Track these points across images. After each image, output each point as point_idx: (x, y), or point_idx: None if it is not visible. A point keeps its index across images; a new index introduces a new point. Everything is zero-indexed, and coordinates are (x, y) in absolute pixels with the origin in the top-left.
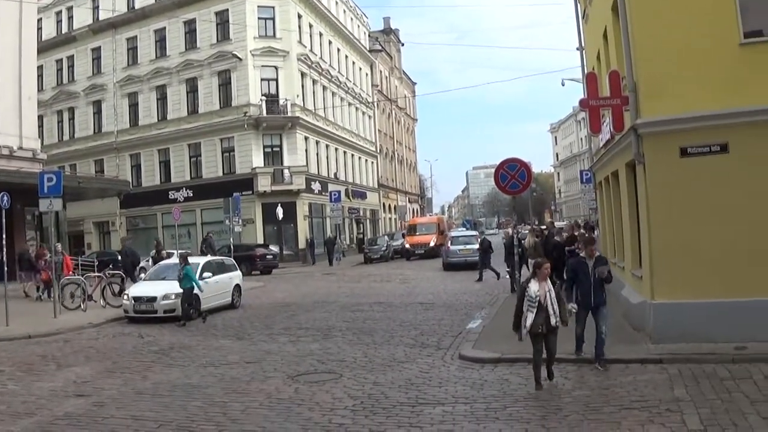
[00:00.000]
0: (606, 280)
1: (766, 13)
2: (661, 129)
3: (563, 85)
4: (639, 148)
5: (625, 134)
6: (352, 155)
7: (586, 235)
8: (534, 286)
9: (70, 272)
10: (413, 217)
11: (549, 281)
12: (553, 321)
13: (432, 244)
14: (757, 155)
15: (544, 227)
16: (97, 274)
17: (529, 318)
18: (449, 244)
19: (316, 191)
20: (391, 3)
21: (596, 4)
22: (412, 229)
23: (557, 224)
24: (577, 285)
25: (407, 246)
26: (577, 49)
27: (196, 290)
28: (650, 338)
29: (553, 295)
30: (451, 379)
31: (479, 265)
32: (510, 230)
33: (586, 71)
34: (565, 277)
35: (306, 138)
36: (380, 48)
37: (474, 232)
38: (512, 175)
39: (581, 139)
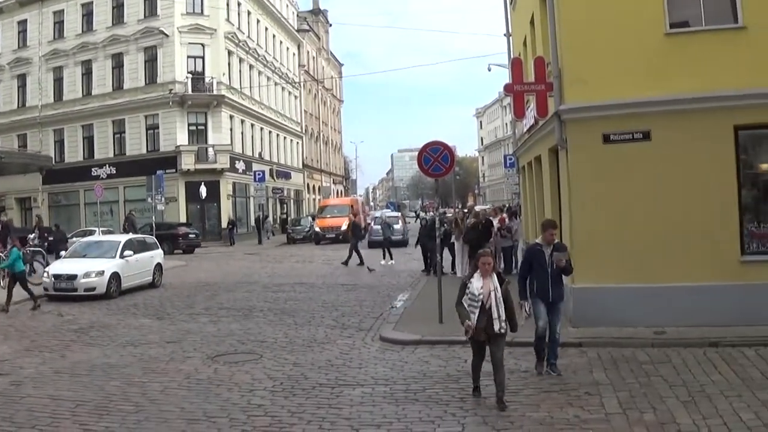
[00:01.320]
0: (565, 270)
1: (693, 3)
2: (584, 115)
3: (489, 70)
4: (562, 134)
5: (548, 120)
6: (278, 135)
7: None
8: (477, 283)
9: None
10: (325, 198)
11: (496, 278)
12: (496, 326)
13: (344, 227)
14: (679, 143)
15: (465, 210)
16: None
17: (472, 317)
18: (373, 224)
19: (241, 171)
20: None
21: None
22: (322, 211)
23: (478, 208)
24: (532, 277)
25: (317, 229)
26: (505, 35)
27: (116, 269)
28: (570, 322)
29: (499, 294)
30: (371, 360)
31: (423, 252)
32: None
33: (512, 57)
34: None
35: (231, 117)
36: (308, 28)
37: (398, 214)
38: (435, 158)
39: (506, 123)
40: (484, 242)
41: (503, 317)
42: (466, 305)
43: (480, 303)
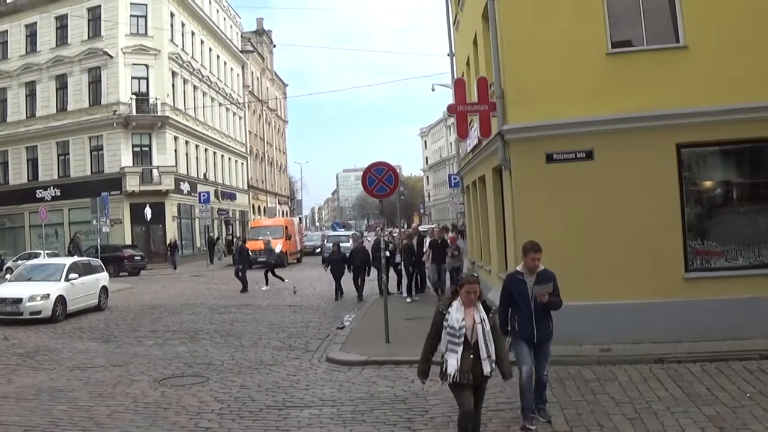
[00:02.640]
0: (551, 305)
1: (634, 24)
2: (527, 135)
3: (433, 90)
4: (505, 154)
5: (492, 140)
6: (222, 156)
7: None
8: (457, 314)
9: None
10: (257, 219)
11: (482, 307)
12: (486, 368)
13: (277, 250)
14: (621, 162)
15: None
16: None
17: (451, 361)
18: (325, 242)
19: (185, 192)
20: (265, 4)
21: (467, 10)
22: (254, 233)
23: (423, 227)
24: (513, 311)
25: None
26: (448, 54)
27: (62, 292)
28: None
29: (487, 327)
30: (318, 381)
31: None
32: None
33: (455, 77)
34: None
35: (176, 138)
36: (252, 49)
37: (349, 232)
38: (380, 178)
39: (450, 143)
40: (440, 262)
41: (493, 356)
42: (443, 342)
43: (463, 338)
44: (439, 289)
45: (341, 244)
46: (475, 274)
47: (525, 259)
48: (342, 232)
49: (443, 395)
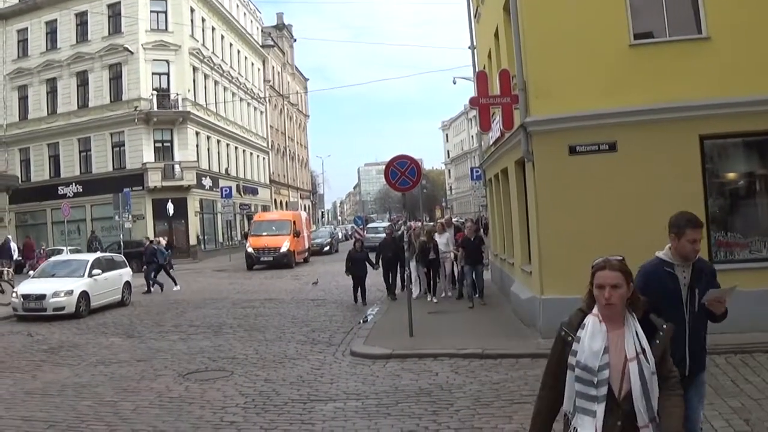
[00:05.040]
0: (719, 317)
1: (656, 15)
2: (550, 127)
3: (455, 83)
4: (528, 146)
5: (514, 132)
6: (244, 151)
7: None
8: (593, 341)
9: None
10: (261, 212)
11: (637, 326)
12: (641, 421)
13: (284, 249)
14: (644, 154)
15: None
16: None
17: (585, 424)
18: (366, 234)
19: (207, 187)
20: None
21: (488, 3)
22: (257, 228)
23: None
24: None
25: (249, 250)
26: (469, 47)
27: (85, 288)
28: (540, 333)
29: (651, 365)
30: (342, 375)
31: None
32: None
33: (477, 70)
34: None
35: (197, 133)
36: (273, 43)
37: (385, 224)
38: (402, 171)
39: (472, 136)
40: (476, 263)
41: (654, 410)
42: (568, 394)
43: (606, 388)
44: (472, 295)
45: (371, 236)
46: (620, 257)
47: (677, 241)
48: (379, 223)
49: (467, 388)
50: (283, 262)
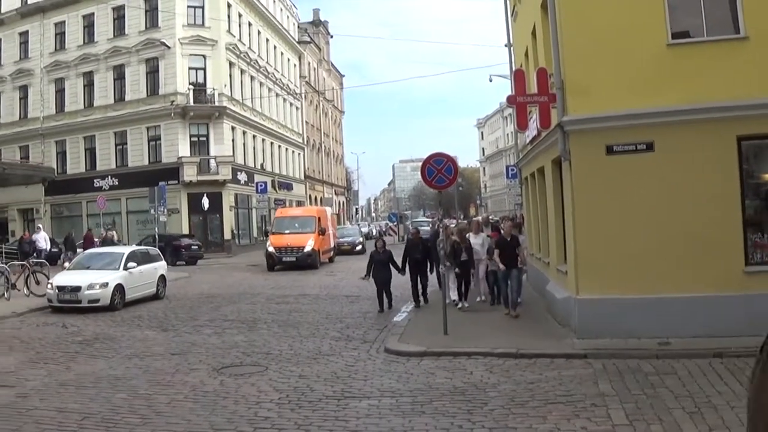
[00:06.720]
0: None
1: (694, 14)
2: (587, 127)
3: (491, 81)
4: (565, 145)
5: (551, 131)
6: (279, 146)
7: None
8: None
9: None
10: (283, 208)
11: None
12: None
13: (308, 248)
14: (681, 154)
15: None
16: (20, 262)
17: None
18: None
19: (243, 182)
20: None
21: (526, 1)
22: (279, 225)
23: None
24: None
25: (270, 249)
26: (506, 45)
27: (120, 280)
28: (575, 333)
29: None
30: (376, 372)
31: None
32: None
33: (513, 68)
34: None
35: (233, 128)
36: (309, 40)
37: (429, 220)
38: (439, 169)
39: (507, 134)
40: (512, 266)
41: None
42: None
43: None
44: (508, 302)
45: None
46: None
47: None
48: (422, 218)
49: (501, 387)
50: (307, 262)
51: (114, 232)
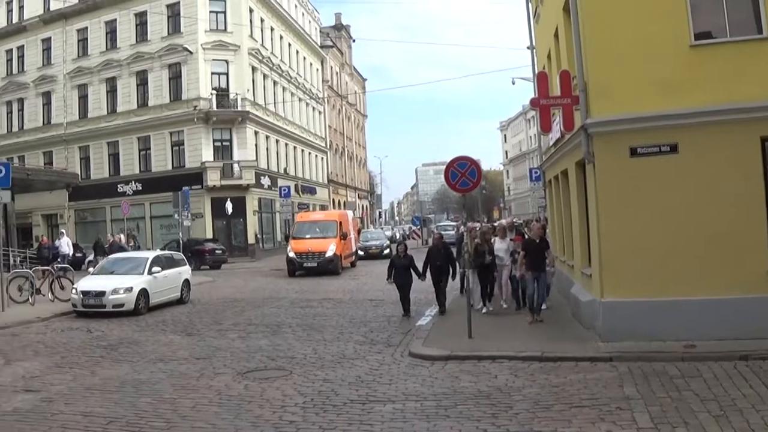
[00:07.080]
0: None
1: (717, 15)
2: (611, 129)
3: (513, 83)
4: (589, 148)
5: (575, 133)
6: (302, 151)
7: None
8: None
9: None
10: (304, 212)
11: None
12: None
13: (330, 254)
14: (705, 156)
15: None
16: (43, 267)
17: None
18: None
19: (266, 186)
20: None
21: (548, 3)
22: (300, 230)
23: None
24: None
25: (291, 255)
26: (528, 48)
27: (144, 285)
28: (600, 336)
29: None
30: (401, 376)
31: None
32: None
33: (536, 70)
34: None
35: (256, 133)
36: (331, 44)
37: (454, 223)
38: (462, 173)
39: (531, 137)
40: (539, 269)
41: None
42: None
43: None
44: (534, 306)
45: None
46: None
47: None
48: (447, 222)
49: (526, 391)
50: (328, 268)
51: (122, 235)
